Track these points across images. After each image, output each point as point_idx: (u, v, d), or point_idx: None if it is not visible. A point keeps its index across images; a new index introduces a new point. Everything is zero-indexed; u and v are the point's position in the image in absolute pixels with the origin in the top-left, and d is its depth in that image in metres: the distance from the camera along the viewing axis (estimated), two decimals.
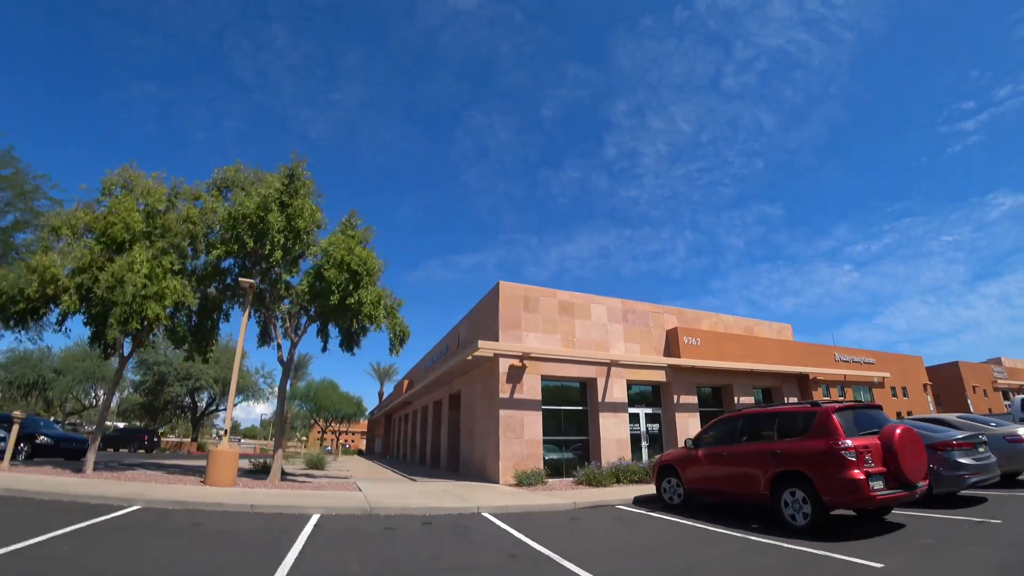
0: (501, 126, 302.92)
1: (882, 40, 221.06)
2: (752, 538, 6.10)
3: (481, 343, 12.83)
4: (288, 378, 12.22)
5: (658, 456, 10.54)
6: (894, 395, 24.62)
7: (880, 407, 7.39)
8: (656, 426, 16.26)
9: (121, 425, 42.32)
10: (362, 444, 71.16)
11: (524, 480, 12.02)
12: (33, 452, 15.11)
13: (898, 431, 6.33)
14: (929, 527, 6.45)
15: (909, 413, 24.56)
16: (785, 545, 5.65)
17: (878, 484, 5.99)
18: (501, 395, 13.20)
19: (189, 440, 40.41)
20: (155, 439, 33.00)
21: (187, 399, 41.15)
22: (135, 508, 7.13)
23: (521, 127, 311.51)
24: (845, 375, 21.90)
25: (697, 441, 8.56)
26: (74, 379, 37.08)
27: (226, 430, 10.41)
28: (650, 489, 10.09)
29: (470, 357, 13.23)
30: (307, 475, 14.48)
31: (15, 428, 10.62)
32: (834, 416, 6.47)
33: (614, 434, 14.67)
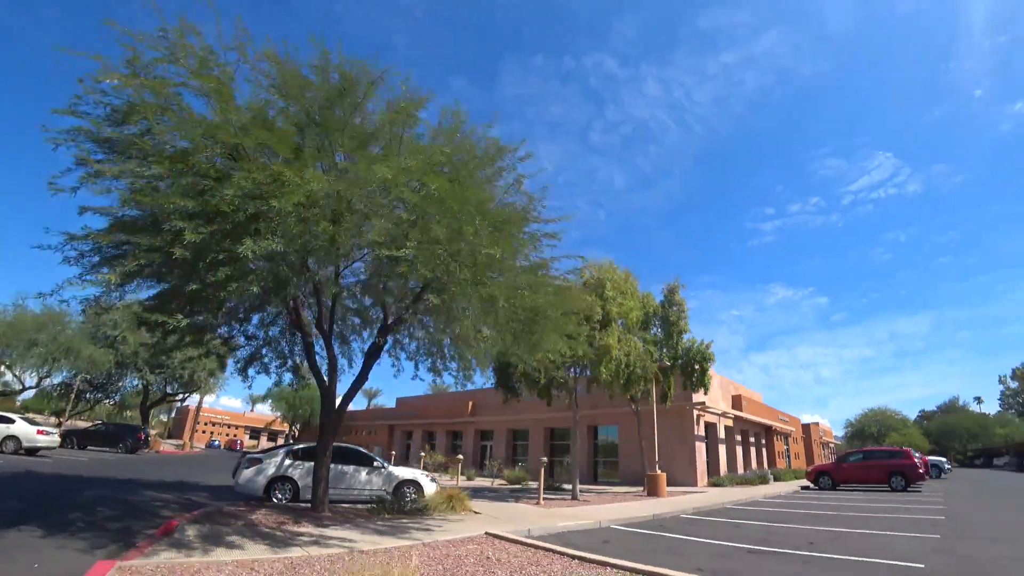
0: None
1: (724, 139, 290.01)
2: (878, 492, 19.21)
3: (696, 401, 24.27)
4: None
5: (813, 466, 23.45)
6: (795, 442, 42.70)
7: (903, 450, 21.57)
8: (726, 452, 29.36)
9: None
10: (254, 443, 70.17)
11: (717, 483, 23.58)
12: None
13: (919, 454, 20.34)
14: (930, 484, 20.55)
15: (795, 455, 42.71)
16: (891, 494, 18.85)
17: (923, 471, 19.82)
18: (695, 433, 24.65)
19: (153, 434, 38.59)
20: (147, 438, 33.05)
21: (140, 384, 39.24)
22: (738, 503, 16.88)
23: None
24: (781, 427, 38.57)
25: (839, 461, 21.75)
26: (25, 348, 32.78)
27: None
28: (767, 490, 22.86)
29: (688, 407, 24.45)
30: (596, 490, 23.43)
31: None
32: (909, 450, 20.25)
33: (723, 457, 27.22)
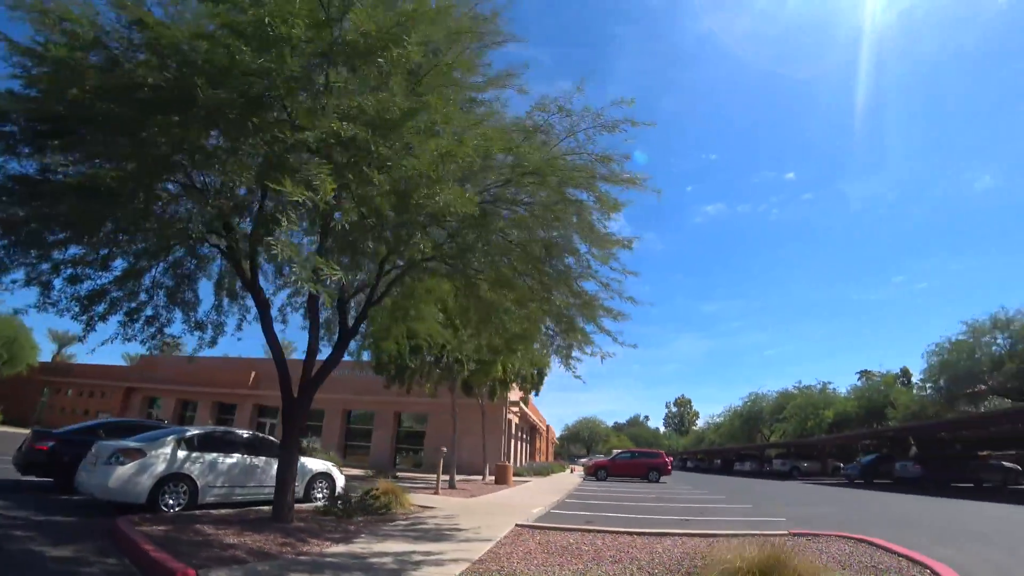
0: None
1: None
2: (638, 483, 25.58)
3: (511, 400, 27.35)
4: None
5: (593, 461, 28.64)
6: (542, 440, 50.46)
7: (658, 452, 28.86)
8: (514, 446, 33.55)
9: None
10: None
11: (518, 473, 26.97)
12: None
13: (666, 455, 27.70)
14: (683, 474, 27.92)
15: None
16: (650, 484, 25.42)
17: (668, 468, 27.02)
18: (509, 429, 27.66)
19: None
20: None
21: None
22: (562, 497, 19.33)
23: None
24: (540, 427, 45.43)
25: (613, 458, 27.72)
26: None
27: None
28: (562, 479, 28.01)
29: (504, 404, 27.20)
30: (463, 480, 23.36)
31: None
32: (663, 452, 27.29)
33: (512, 450, 31.11)
